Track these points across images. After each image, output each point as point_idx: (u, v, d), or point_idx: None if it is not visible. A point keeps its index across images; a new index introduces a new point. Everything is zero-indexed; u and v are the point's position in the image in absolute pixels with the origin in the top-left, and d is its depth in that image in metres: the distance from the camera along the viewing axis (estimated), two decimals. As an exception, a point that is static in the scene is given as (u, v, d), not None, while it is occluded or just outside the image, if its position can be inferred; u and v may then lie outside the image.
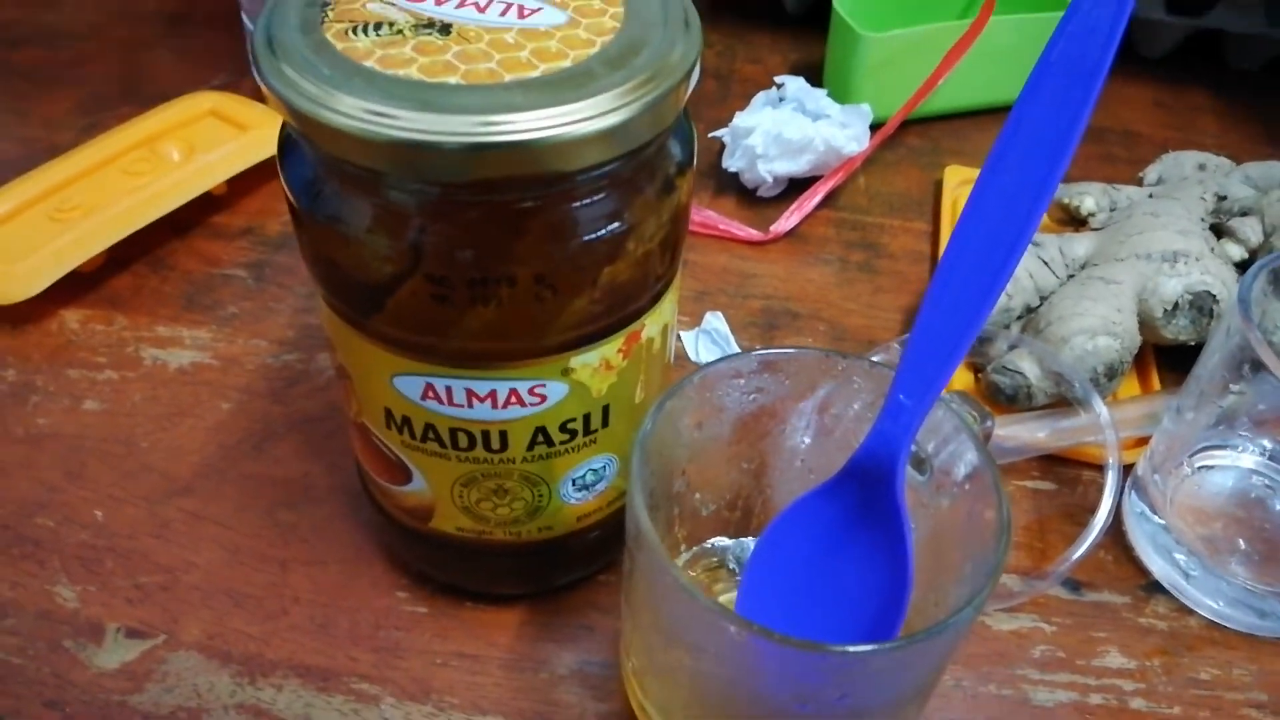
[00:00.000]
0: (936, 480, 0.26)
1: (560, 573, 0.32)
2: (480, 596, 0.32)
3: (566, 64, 0.21)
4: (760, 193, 0.48)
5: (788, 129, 0.45)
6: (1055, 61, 0.22)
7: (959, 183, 0.49)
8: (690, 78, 0.23)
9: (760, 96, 0.50)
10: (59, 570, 0.32)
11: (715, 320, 0.41)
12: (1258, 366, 0.30)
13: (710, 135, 0.49)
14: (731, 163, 0.48)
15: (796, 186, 0.48)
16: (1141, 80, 0.59)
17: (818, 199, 0.47)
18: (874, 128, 0.50)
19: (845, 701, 0.21)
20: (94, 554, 0.33)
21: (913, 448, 0.26)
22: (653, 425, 0.23)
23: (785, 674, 0.21)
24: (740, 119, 0.47)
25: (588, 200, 0.22)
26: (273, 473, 0.35)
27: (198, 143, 0.46)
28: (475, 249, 0.22)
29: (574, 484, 0.28)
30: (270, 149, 0.46)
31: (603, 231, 0.23)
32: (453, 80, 0.21)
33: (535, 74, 0.21)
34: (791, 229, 0.46)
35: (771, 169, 0.46)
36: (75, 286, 0.41)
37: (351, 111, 0.20)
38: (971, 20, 0.51)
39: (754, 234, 0.46)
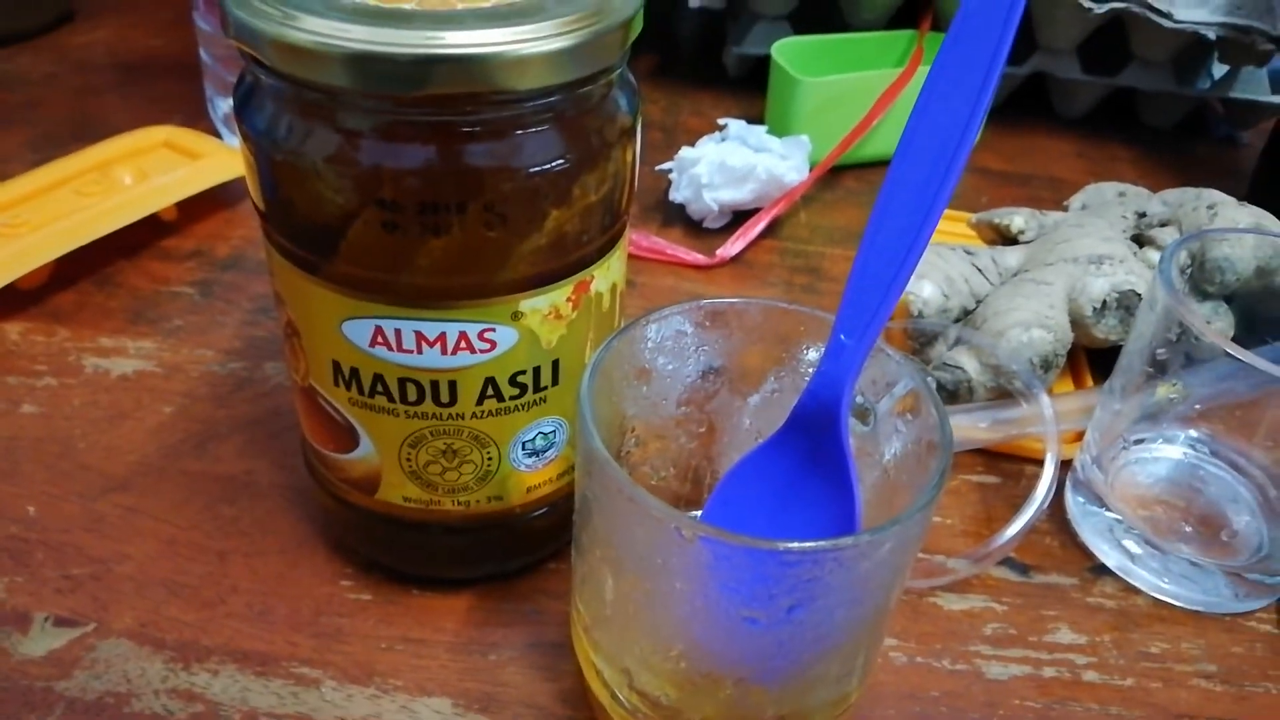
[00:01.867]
0: (879, 428, 0.26)
1: (509, 555, 0.31)
2: (427, 583, 0.31)
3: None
4: (706, 224, 0.50)
5: (731, 158, 0.47)
6: (974, 7, 0.24)
7: (896, 216, 0.50)
8: (634, 23, 0.24)
9: (705, 137, 0.52)
10: (-16, 563, 0.31)
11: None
12: (1184, 355, 0.31)
13: (657, 169, 0.50)
14: (678, 194, 0.49)
15: (740, 219, 0.50)
16: (1064, 136, 0.63)
17: (761, 226, 0.48)
18: (812, 167, 0.52)
19: (795, 614, 0.21)
20: (24, 547, 0.32)
21: (856, 399, 0.27)
22: (604, 354, 0.24)
23: (735, 578, 0.20)
24: (686, 151, 0.49)
25: (534, 129, 0.23)
26: (214, 470, 0.35)
27: (150, 169, 0.46)
28: (426, 172, 0.22)
29: (524, 448, 0.28)
30: (222, 175, 0.47)
31: (548, 165, 0.23)
32: (408, 7, 0.22)
33: (487, 5, 0.22)
34: (737, 254, 0.48)
35: (716, 197, 0.48)
36: (17, 301, 0.41)
37: (311, 28, 0.21)
38: (902, 69, 0.54)
39: (700, 258, 0.47)
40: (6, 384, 0.38)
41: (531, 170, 0.23)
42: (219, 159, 0.47)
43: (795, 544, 0.20)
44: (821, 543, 0.20)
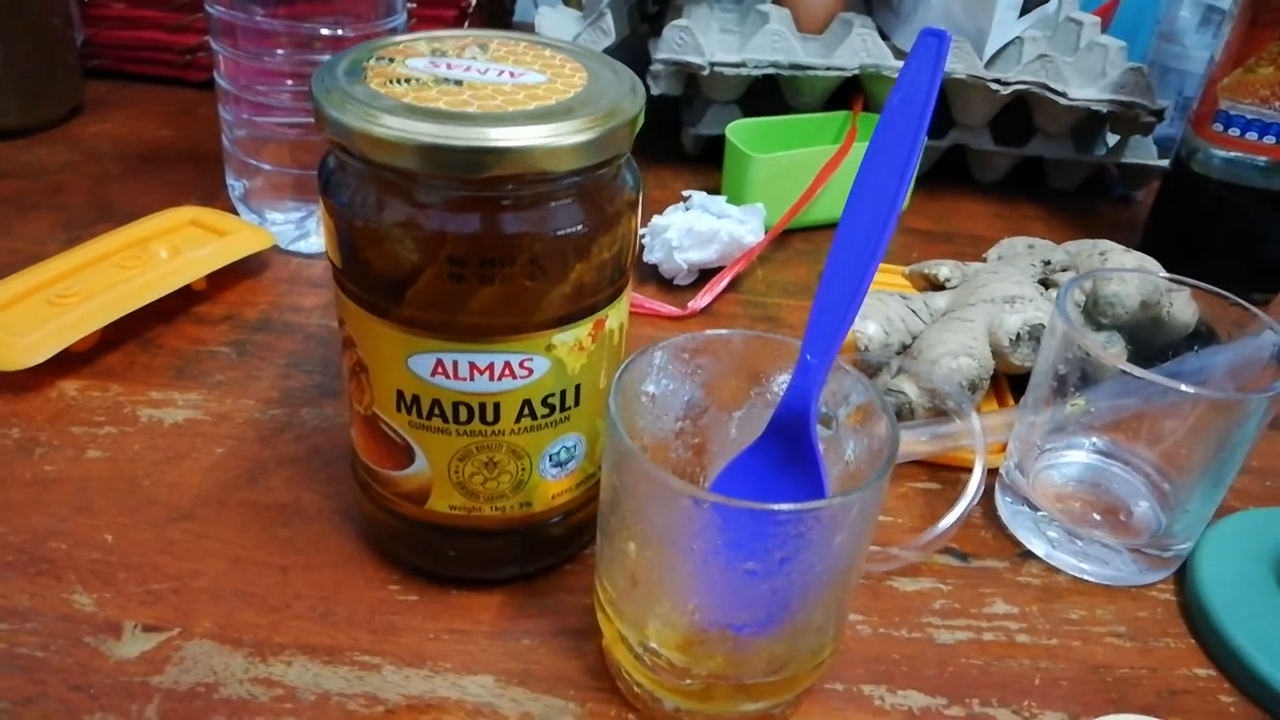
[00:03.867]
0: (840, 432, 0.33)
1: (533, 557, 0.37)
2: (464, 584, 0.37)
3: (551, 103, 0.29)
4: (676, 281, 0.57)
5: (698, 223, 0.54)
6: (896, 105, 0.31)
7: (841, 271, 0.58)
8: (638, 120, 0.31)
9: (671, 207, 0.59)
10: (75, 582, 0.36)
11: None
12: (1080, 373, 0.38)
13: (631, 234, 0.57)
14: (651, 256, 0.56)
15: (705, 276, 0.57)
16: (982, 199, 0.71)
17: (725, 282, 0.55)
18: (766, 231, 0.59)
19: (785, 565, 0.27)
20: (107, 569, 0.36)
21: (820, 409, 0.33)
22: (623, 372, 0.30)
23: (739, 536, 0.26)
24: (657, 219, 0.56)
25: (565, 202, 0.29)
26: (267, 500, 0.40)
27: (182, 245, 0.52)
28: (485, 235, 0.29)
29: (550, 459, 0.34)
30: (247, 249, 0.53)
31: (574, 229, 0.30)
32: (471, 110, 0.28)
33: (530, 107, 0.29)
34: (705, 306, 0.54)
35: (686, 257, 0.55)
36: (70, 363, 0.46)
37: (394, 125, 0.27)
38: (839, 145, 0.62)
39: (674, 310, 0.54)
40: (71, 433, 0.42)
41: (560, 233, 0.30)
42: (242, 235, 0.53)
43: (786, 505, 0.26)
44: (806, 504, 0.26)
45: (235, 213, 0.57)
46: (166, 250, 0.51)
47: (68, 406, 0.44)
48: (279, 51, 0.52)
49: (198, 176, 0.63)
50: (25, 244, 0.55)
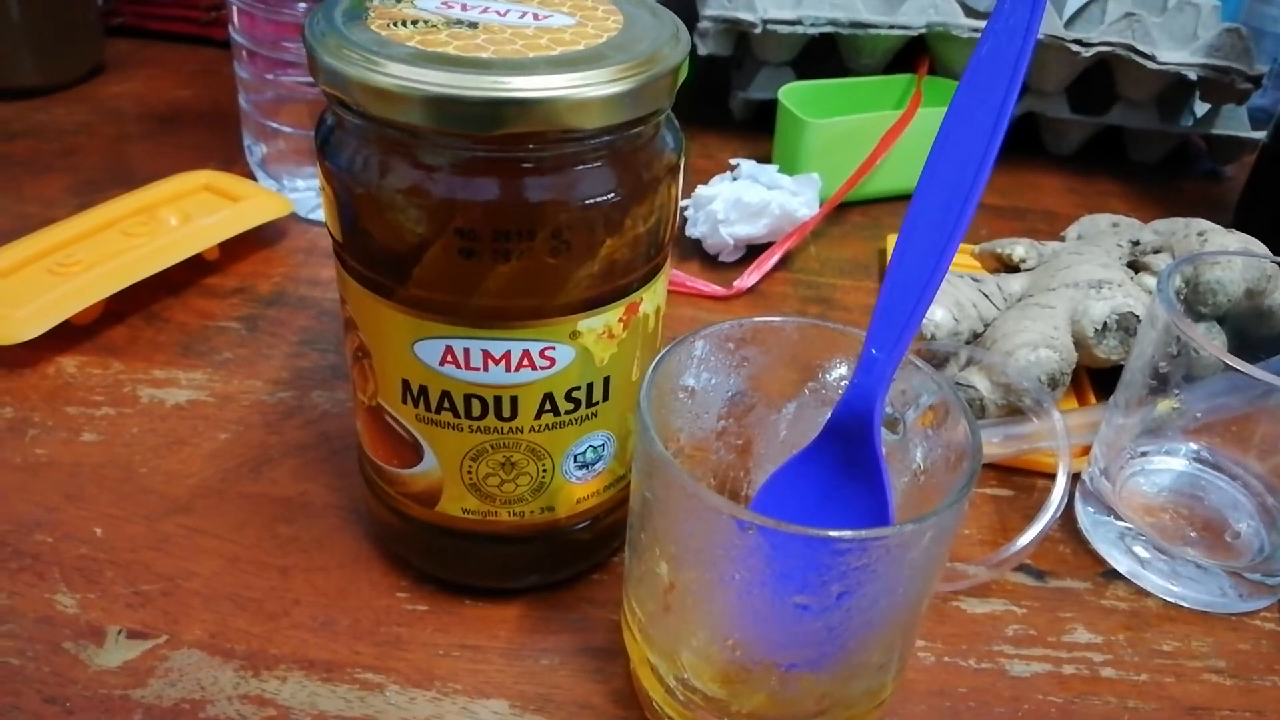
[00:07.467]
0: (908, 437, 0.29)
1: (557, 566, 0.33)
2: (479, 593, 0.33)
3: (580, 48, 0.25)
4: (721, 257, 0.52)
5: (747, 194, 0.50)
6: (985, 56, 0.26)
7: (901, 248, 0.53)
8: (680, 71, 0.27)
9: (717, 177, 0.54)
10: (58, 580, 0.33)
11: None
12: (1184, 370, 0.34)
13: (674, 206, 0.53)
14: (695, 230, 0.52)
15: (754, 253, 0.52)
16: (1056, 173, 0.66)
17: (776, 258, 0.51)
18: (821, 204, 0.54)
19: (844, 600, 0.23)
20: (94, 566, 0.33)
21: (886, 409, 0.29)
22: (658, 365, 0.26)
23: (790, 566, 0.22)
24: (702, 189, 0.52)
25: (595, 166, 0.25)
26: (270, 492, 0.36)
27: (193, 211, 0.48)
28: (498, 203, 0.25)
29: (575, 460, 0.30)
30: (262, 217, 0.49)
31: (605, 197, 0.26)
32: (485, 56, 0.24)
33: (555, 53, 0.25)
34: (752, 286, 0.50)
35: (732, 232, 0.50)
36: (71, 337, 0.43)
37: (396, 73, 0.23)
38: (903, 110, 0.57)
39: (718, 290, 0.49)
40: (66, 413, 0.39)
41: (588, 202, 0.26)
42: (258, 201, 0.50)
43: (848, 532, 0.22)
44: (872, 531, 0.22)
45: (254, 178, 0.54)
46: (177, 217, 0.47)
47: (65, 384, 0.41)
48: (300, 5, 0.48)
49: (218, 139, 0.60)
50: (35, 208, 0.52)
